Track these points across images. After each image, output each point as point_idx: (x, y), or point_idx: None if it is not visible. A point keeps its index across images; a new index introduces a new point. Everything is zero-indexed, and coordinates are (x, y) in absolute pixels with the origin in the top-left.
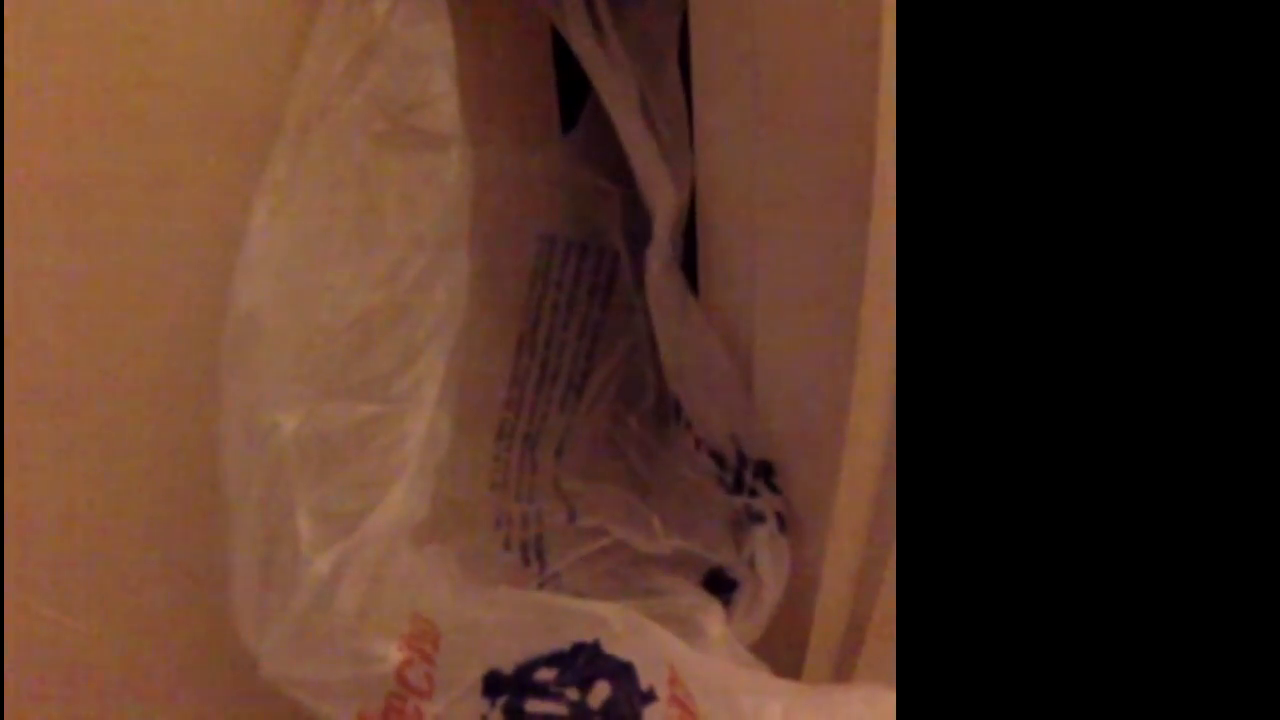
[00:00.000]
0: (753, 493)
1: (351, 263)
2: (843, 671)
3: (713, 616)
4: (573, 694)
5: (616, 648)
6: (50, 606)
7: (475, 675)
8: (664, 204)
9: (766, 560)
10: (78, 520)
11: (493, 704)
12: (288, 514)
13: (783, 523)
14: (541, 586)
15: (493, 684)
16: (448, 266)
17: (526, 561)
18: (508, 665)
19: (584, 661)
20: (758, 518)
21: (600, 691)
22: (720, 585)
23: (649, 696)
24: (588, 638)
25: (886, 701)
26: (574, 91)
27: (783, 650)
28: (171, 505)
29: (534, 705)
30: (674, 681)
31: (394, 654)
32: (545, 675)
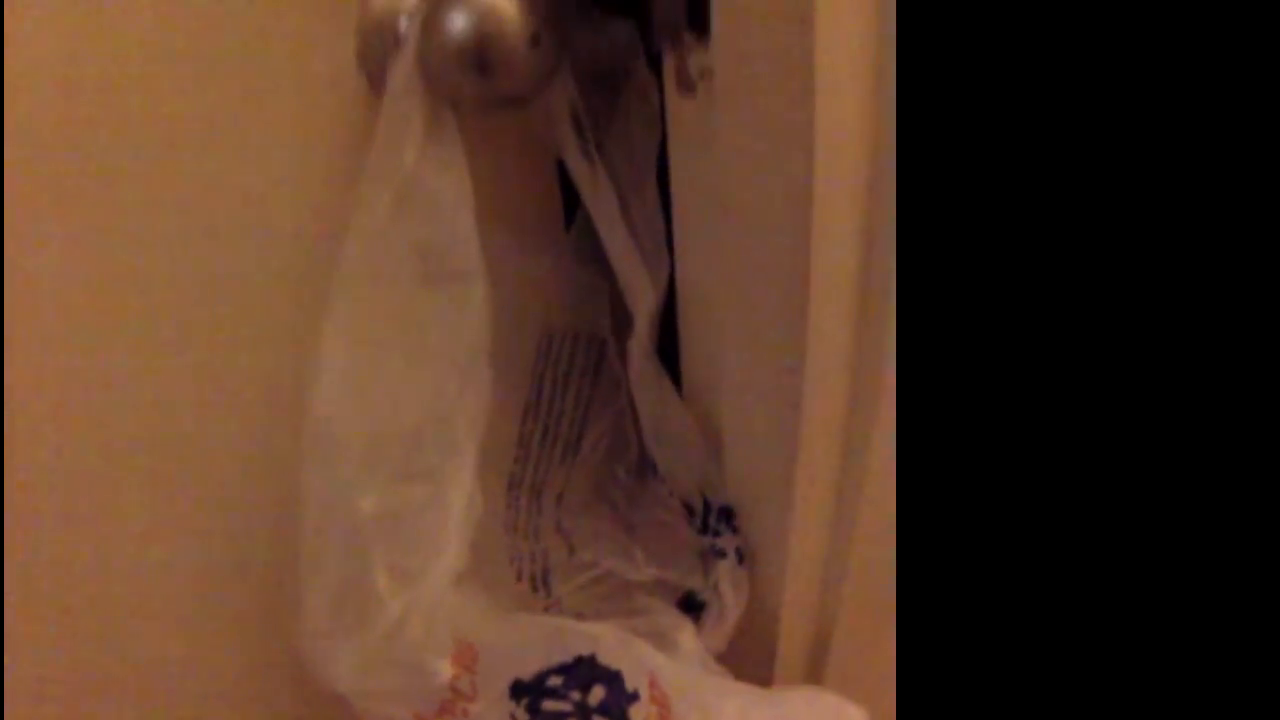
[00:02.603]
0: (716, 533)
1: (403, 379)
2: (812, 679)
3: (685, 632)
4: (576, 695)
5: (608, 659)
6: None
7: (505, 683)
8: (643, 303)
9: (728, 587)
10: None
11: (518, 704)
12: (365, 571)
13: (741, 556)
14: (547, 610)
15: (517, 689)
16: (476, 378)
17: (535, 590)
18: (527, 674)
19: (584, 670)
20: (720, 554)
21: (597, 693)
22: (691, 606)
23: (634, 697)
24: (586, 651)
25: (824, 701)
26: (573, 198)
27: (750, 663)
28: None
29: (548, 704)
30: (654, 685)
31: (446, 669)
32: (555, 681)
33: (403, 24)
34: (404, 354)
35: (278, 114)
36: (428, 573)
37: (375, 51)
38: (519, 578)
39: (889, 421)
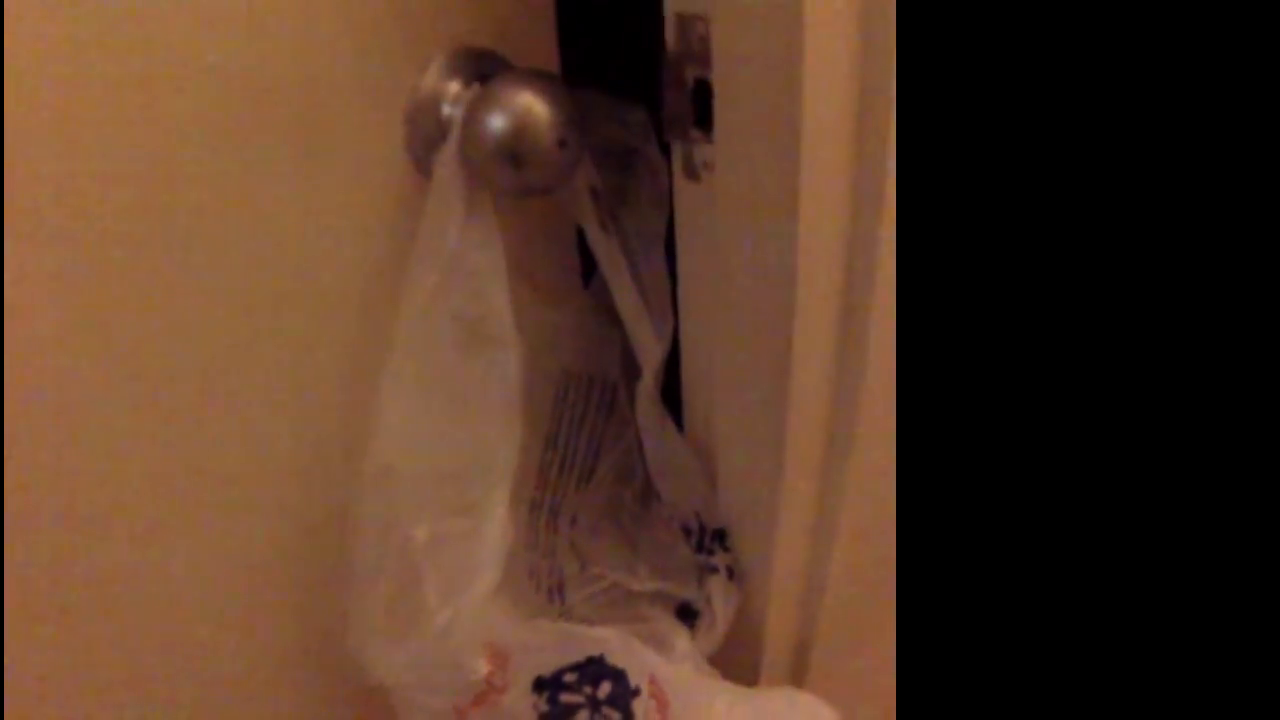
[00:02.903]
0: (710, 552)
1: (448, 430)
2: (794, 682)
3: (681, 638)
4: (587, 689)
5: (614, 659)
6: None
7: (529, 678)
8: (649, 354)
9: (719, 599)
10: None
11: (539, 696)
12: (417, 587)
13: (731, 573)
14: (561, 616)
15: (539, 684)
16: (509, 428)
17: (551, 599)
18: (547, 671)
19: (594, 668)
20: (713, 569)
21: (605, 688)
22: (687, 615)
23: (636, 692)
24: (595, 652)
25: (801, 700)
26: (590, 261)
27: (738, 666)
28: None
29: (564, 697)
30: (653, 682)
31: (483, 666)
32: (570, 678)
33: (445, 110)
34: (449, 409)
35: (334, 194)
36: (469, 590)
37: (421, 136)
38: (538, 589)
39: (862, 459)
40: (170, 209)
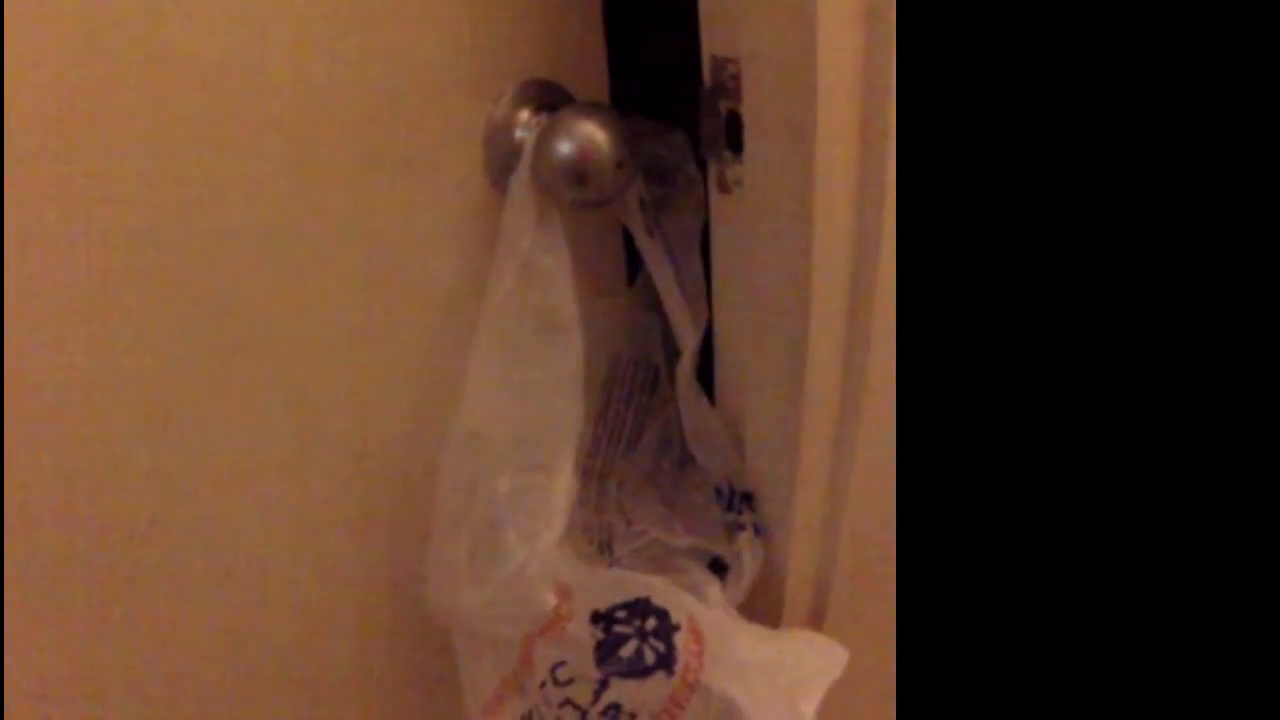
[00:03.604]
0: (739, 511)
1: (523, 400)
2: (813, 627)
3: (713, 587)
4: (636, 623)
5: (659, 600)
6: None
7: (589, 611)
8: (687, 340)
9: (747, 553)
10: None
11: (596, 626)
12: (499, 530)
13: (758, 530)
14: (610, 566)
15: (595, 616)
16: (574, 399)
17: (601, 552)
18: (603, 607)
19: (641, 606)
20: (741, 527)
21: (651, 622)
22: (718, 568)
23: (677, 627)
24: (642, 594)
25: (817, 641)
26: (635, 260)
27: (762, 616)
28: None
29: (618, 628)
30: (691, 620)
31: (552, 599)
32: (621, 614)
33: (518, 135)
34: (525, 383)
35: (424, 208)
36: (541, 535)
37: (497, 157)
38: (590, 543)
39: (870, 433)
40: (279, 224)
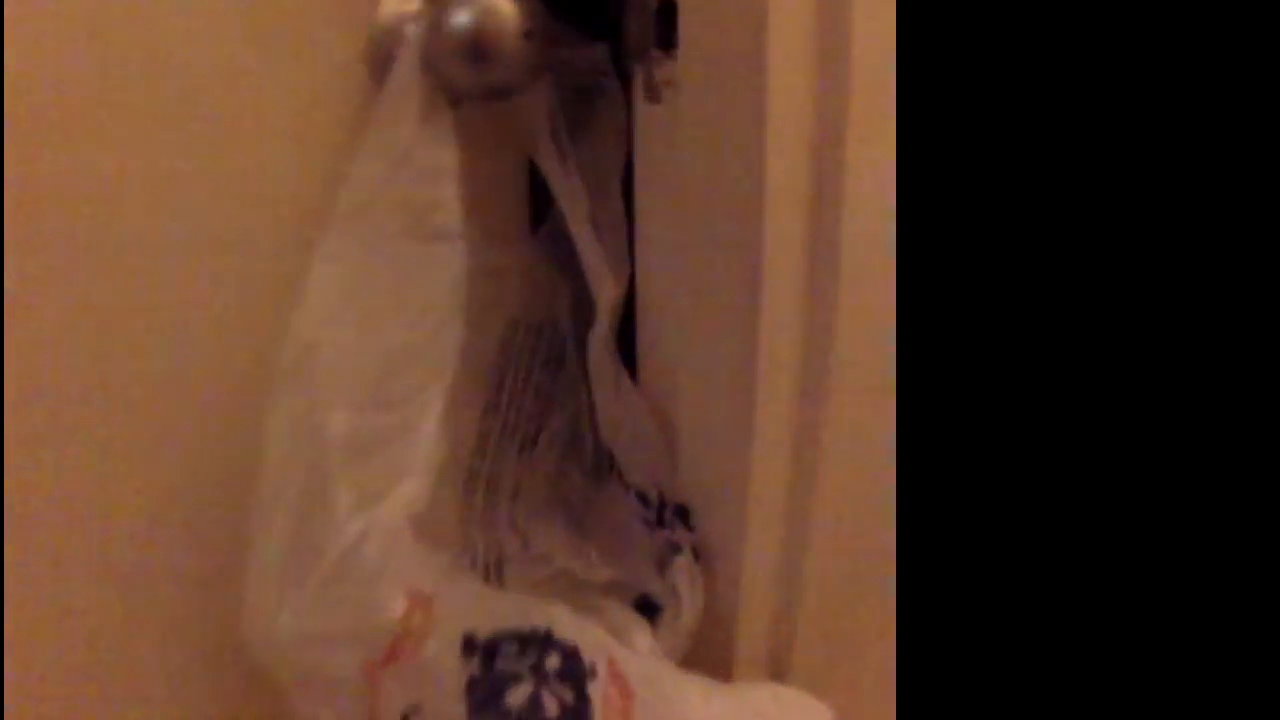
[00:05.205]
0: (671, 527)
1: (381, 317)
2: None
3: (642, 632)
4: (532, 660)
5: (564, 634)
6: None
7: (458, 632)
8: (605, 296)
9: (685, 586)
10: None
11: (470, 657)
12: (325, 489)
13: (696, 554)
14: None
15: (469, 644)
16: (448, 325)
17: (488, 579)
18: (482, 633)
19: (539, 639)
20: (676, 549)
21: (553, 660)
22: (647, 609)
23: (592, 672)
24: (541, 624)
25: (788, 696)
26: (540, 202)
27: (707, 669)
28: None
29: (502, 664)
30: (612, 665)
31: (401, 602)
32: (510, 647)
33: (409, 30)
34: (385, 295)
35: (285, 98)
36: (388, 496)
37: (381, 52)
38: (473, 565)
39: (843, 416)
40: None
